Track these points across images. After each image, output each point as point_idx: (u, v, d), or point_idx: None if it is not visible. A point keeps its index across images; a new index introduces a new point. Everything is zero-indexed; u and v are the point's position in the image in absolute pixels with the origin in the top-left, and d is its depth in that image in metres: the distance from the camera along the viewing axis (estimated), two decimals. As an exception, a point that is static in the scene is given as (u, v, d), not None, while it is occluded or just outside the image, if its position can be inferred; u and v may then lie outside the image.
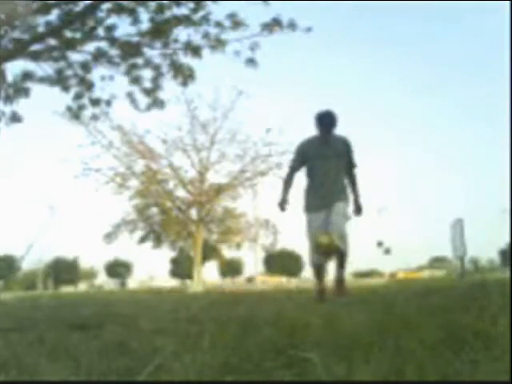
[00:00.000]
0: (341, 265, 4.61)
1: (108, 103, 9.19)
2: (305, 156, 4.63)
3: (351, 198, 4.74)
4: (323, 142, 4.59)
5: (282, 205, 4.60)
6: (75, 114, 9.43)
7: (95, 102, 9.17)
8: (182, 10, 8.17)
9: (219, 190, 20.45)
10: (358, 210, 4.73)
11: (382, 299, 3.67)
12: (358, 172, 4.75)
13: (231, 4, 8.58)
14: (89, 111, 9.38)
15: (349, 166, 4.72)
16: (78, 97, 9.12)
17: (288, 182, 4.72)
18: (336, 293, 4.51)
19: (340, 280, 4.65)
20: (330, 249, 4.30)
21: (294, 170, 4.73)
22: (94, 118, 9.57)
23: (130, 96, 9.17)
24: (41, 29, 8.05)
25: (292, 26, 8.38)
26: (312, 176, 4.62)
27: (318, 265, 4.63)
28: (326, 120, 4.54)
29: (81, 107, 9.24)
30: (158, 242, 26.11)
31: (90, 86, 9.02)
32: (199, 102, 19.39)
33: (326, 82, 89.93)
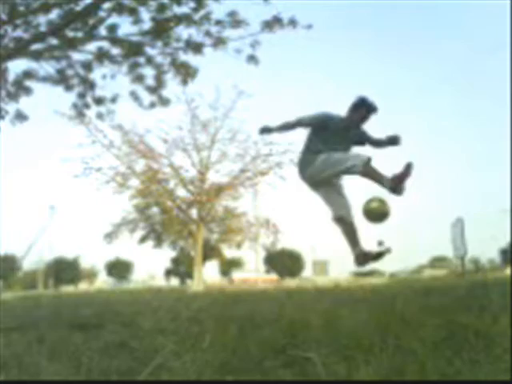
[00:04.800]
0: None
1: (113, 100, 9.18)
2: (325, 127, 4.41)
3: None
4: (347, 127, 4.47)
5: (266, 130, 4.44)
6: (80, 112, 9.43)
7: (99, 101, 9.17)
8: (183, 9, 8.17)
9: (220, 189, 20.43)
10: (396, 138, 4.55)
11: (383, 299, 3.67)
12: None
13: (232, 2, 8.59)
14: (93, 110, 9.37)
15: (369, 140, 4.70)
16: (80, 96, 9.11)
17: (289, 127, 4.49)
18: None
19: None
20: (384, 215, 4.16)
21: (298, 125, 4.49)
22: (100, 117, 9.56)
23: (134, 94, 9.16)
24: (42, 28, 8.04)
25: (293, 23, 8.38)
26: (324, 148, 4.42)
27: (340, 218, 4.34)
28: (368, 109, 4.43)
29: (86, 105, 9.24)
30: (158, 241, 26.14)
31: (92, 85, 9.02)
32: (200, 101, 19.38)
33: (327, 80, 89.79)
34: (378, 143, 4.76)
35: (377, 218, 4.22)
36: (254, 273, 44.23)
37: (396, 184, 4.15)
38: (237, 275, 46.56)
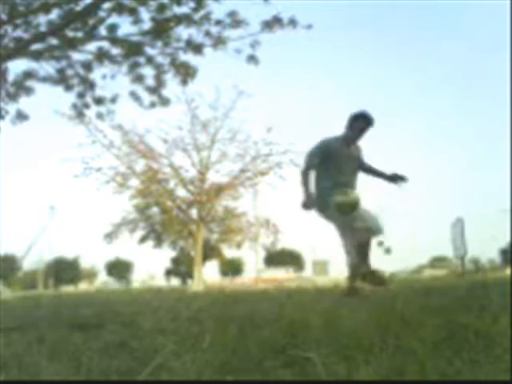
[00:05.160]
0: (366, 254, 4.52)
1: (113, 100, 9.20)
2: (329, 155, 4.52)
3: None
4: (347, 144, 4.60)
5: (310, 205, 4.47)
6: (80, 112, 9.44)
7: (99, 101, 9.18)
8: (183, 9, 8.18)
9: (220, 189, 20.45)
10: (402, 178, 4.70)
11: (383, 299, 3.66)
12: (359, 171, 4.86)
13: (232, 2, 8.60)
14: (93, 110, 9.39)
15: (363, 166, 4.83)
16: (80, 96, 9.12)
17: (309, 180, 4.56)
18: (373, 283, 4.43)
19: (373, 271, 4.51)
20: (352, 206, 4.27)
21: (310, 169, 4.58)
22: (100, 117, 9.57)
23: (134, 94, 9.17)
24: (42, 28, 8.05)
25: (293, 23, 8.39)
26: (333, 176, 4.52)
27: (355, 265, 4.45)
28: (367, 121, 4.54)
29: (86, 105, 9.25)
30: (158, 241, 26.17)
31: (91, 85, 9.03)
32: (200, 101, 19.42)
33: (327, 80, 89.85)
34: (370, 171, 4.86)
35: (347, 209, 4.30)
36: (284, 272, 42.60)
37: (363, 279, 4.42)
38: (268, 273, 43.61)
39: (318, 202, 4.56)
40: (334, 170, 4.54)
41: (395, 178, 4.72)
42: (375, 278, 4.50)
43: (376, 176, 4.86)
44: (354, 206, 4.31)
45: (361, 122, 4.55)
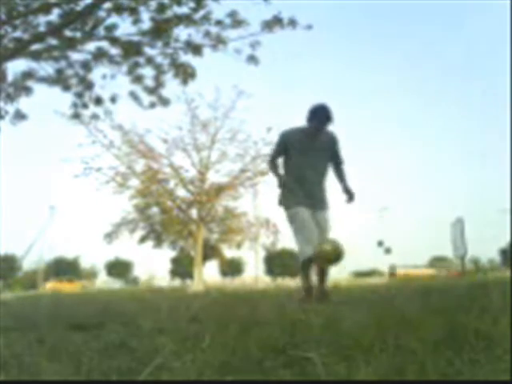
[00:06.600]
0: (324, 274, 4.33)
1: (113, 100, 9.19)
2: (288, 146, 4.39)
3: (338, 188, 4.60)
4: (310, 136, 4.38)
5: (284, 181, 4.37)
6: (77, 113, 9.44)
7: (98, 101, 9.18)
8: (183, 9, 8.18)
9: (220, 189, 20.43)
10: (351, 196, 4.51)
11: (383, 299, 3.66)
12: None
13: (232, 2, 8.60)
14: (90, 110, 9.39)
15: (337, 162, 4.59)
16: (78, 96, 9.13)
17: (276, 169, 4.51)
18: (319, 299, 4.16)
19: (325, 289, 4.34)
20: (335, 256, 4.07)
21: (274, 160, 4.50)
22: (95, 117, 9.58)
23: (133, 94, 9.17)
24: (41, 28, 8.05)
25: (292, 23, 8.39)
26: (295, 170, 4.40)
27: (309, 257, 4.25)
28: (323, 114, 4.28)
29: (84, 105, 9.25)
30: (158, 241, 26.12)
31: (90, 85, 9.03)
32: (200, 101, 19.39)
33: (327, 80, 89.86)
34: (337, 173, 4.65)
35: (329, 261, 4.15)
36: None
37: (318, 295, 4.21)
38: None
39: (281, 198, 4.47)
40: (295, 163, 4.40)
41: (349, 195, 4.53)
42: (321, 294, 4.24)
43: (338, 180, 4.64)
44: (337, 259, 4.09)
45: (315, 122, 4.30)
